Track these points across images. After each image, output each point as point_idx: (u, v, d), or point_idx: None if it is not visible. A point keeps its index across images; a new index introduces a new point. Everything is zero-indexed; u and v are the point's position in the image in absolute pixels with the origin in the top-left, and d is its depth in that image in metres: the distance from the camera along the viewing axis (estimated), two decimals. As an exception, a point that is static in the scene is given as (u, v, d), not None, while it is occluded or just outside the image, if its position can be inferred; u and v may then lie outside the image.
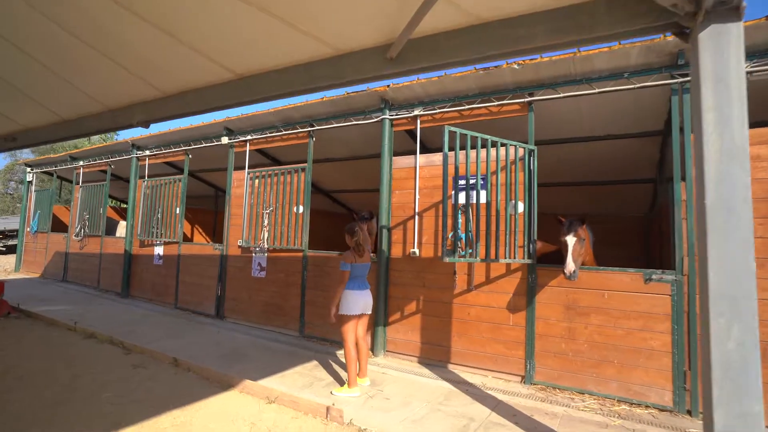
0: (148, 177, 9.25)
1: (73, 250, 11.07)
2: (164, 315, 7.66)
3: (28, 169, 13.07)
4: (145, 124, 4.83)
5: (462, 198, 5.15)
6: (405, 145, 6.50)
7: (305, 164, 6.65)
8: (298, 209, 6.66)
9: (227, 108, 3.83)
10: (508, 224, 4.72)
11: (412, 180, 5.68)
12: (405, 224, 5.68)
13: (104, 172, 10.48)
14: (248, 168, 7.44)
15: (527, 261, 4.76)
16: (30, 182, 13.10)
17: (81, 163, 11.05)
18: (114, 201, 15.45)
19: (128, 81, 3.97)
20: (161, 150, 8.96)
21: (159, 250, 8.80)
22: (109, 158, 10.23)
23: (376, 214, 6.09)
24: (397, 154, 6.73)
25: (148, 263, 9.04)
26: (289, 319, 6.59)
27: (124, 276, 9.29)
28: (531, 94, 5.03)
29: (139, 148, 9.52)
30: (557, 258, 4.75)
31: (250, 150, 7.53)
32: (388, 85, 5.59)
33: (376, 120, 6.01)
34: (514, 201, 4.94)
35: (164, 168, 10.10)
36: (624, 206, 7.93)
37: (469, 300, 5.14)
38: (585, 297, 4.47)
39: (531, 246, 4.81)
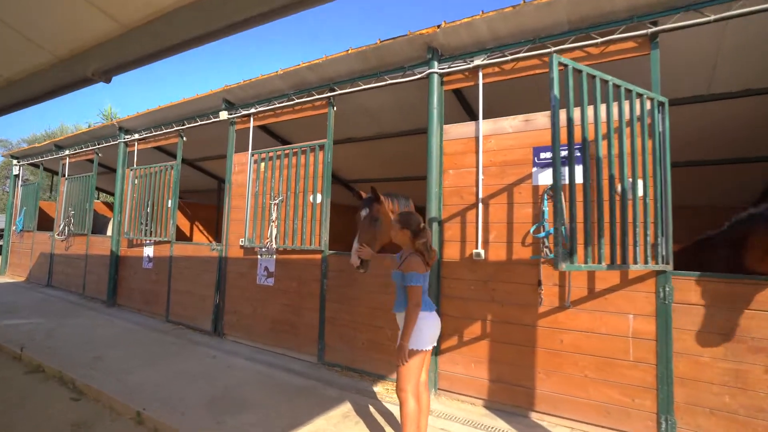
0: (137, 165, 7.86)
1: (59, 251, 9.76)
2: (151, 331, 6.24)
3: (15, 162, 11.84)
4: (105, 77, 3.37)
5: (551, 177, 3.61)
6: (452, 115, 4.95)
7: (324, 141, 5.16)
8: (315, 199, 5.17)
9: (209, 39, 2.34)
10: (637, 213, 3.14)
11: (473, 155, 4.14)
12: (463, 215, 4.14)
13: (92, 161, 9.14)
14: (252, 149, 5.97)
15: (664, 267, 3.18)
16: (17, 176, 11.86)
17: (67, 152, 9.72)
18: (104, 195, 14.17)
19: (79, 12, 2.55)
20: (151, 132, 7.55)
21: (148, 251, 7.40)
22: (95, 145, 8.87)
23: (403, 198, 4.45)
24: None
25: (136, 267, 7.64)
26: (305, 341, 5.11)
27: (110, 282, 7.91)
28: (654, 23, 3.45)
29: (127, 132, 8.13)
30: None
31: (254, 126, 6.06)
32: (438, 26, 4.06)
33: (419, 77, 4.48)
34: (631, 179, 3.37)
35: (156, 155, 8.72)
36: (731, 194, 6.25)
37: (562, 322, 3.58)
38: (763, 324, 2.89)
39: (665, 245, 3.24)
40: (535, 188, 3.79)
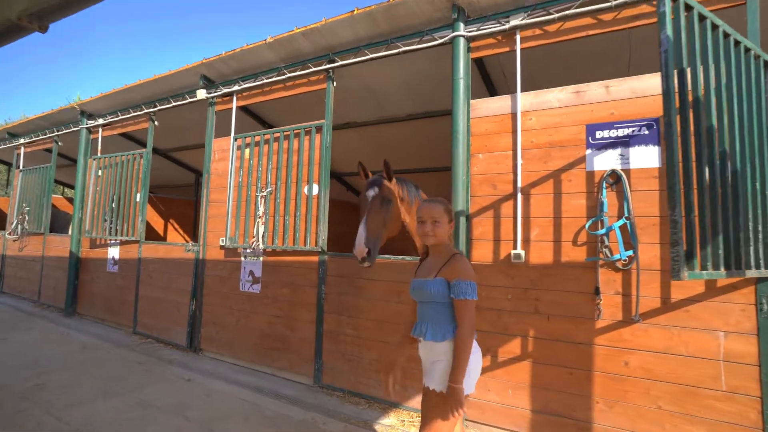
0: (102, 154, 6.87)
1: (11, 253, 8.64)
2: (114, 346, 5.31)
3: (-37, 153, 10.58)
4: (40, 24, 2.64)
5: (614, 161, 2.92)
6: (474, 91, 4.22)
7: (322, 122, 4.36)
8: (310, 190, 4.37)
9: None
10: (749, 204, 2.44)
11: (508, 135, 3.41)
12: (497, 209, 3.41)
13: (50, 151, 8.07)
14: (235, 133, 5.12)
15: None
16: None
17: (21, 140, 8.60)
18: (69, 190, 12.96)
19: None
20: (118, 116, 6.58)
21: (114, 253, 6.43)
22: (54, 132, 7.82)
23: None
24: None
25: (99, 270, 6.66)
26: (298, 359, 4.29)
27: (69, 287, 6.90)
28: (743, -29, 2.79)
29: (90, 116, 7.12)
30: None
31: (237, 107, 5.20)
32: (467, -22, 3.33)
33: (441, 41, 3.73)
34: (746, 159, 2.70)
35: (124, 143, 7.72)
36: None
37: (627, 340, 2.88)
38: None
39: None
40: (590, 174, 3.08)
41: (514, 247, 3.27)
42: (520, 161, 3.30)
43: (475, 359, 2.07)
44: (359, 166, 3.65)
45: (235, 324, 4.82)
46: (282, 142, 4.64)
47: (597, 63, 3.95)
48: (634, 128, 2.94)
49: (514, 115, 3.39)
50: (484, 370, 3.33)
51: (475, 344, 2.09)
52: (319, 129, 4.39)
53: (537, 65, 3.80)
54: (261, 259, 4.66)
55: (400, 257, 3.77)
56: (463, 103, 3.52)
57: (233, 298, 4.86)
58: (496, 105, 3.48)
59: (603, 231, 2.93)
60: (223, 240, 4.98)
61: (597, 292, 2.96)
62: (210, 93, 5.31)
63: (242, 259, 4.82)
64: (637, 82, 2.98)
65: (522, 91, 3.38)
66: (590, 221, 3.02)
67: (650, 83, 2.94)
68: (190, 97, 5.53)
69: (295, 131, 4.56)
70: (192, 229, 9.62)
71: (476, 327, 3.27)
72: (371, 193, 3.27)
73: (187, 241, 7.43)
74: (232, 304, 4.86)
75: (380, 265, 3.86)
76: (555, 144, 3.21)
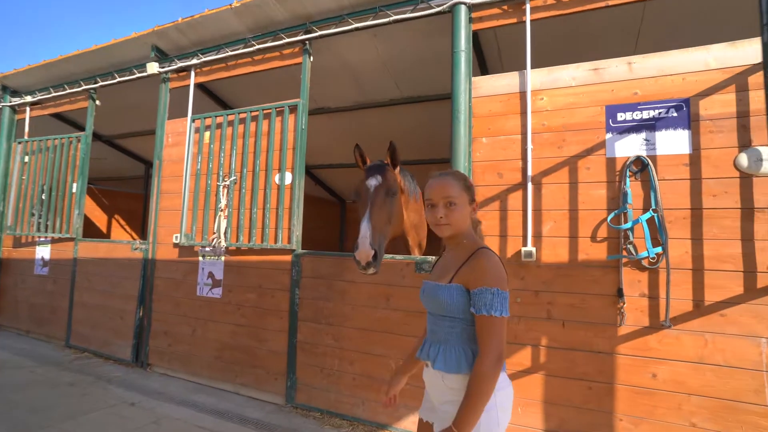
0: (30, 137, 5.89)
1: None
2: (40, 365, 4.45)
3: None
4: None
5: (638, 146, 2.58)
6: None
7: (296, 101, 3.79)
8: (282, 179, 3.79)
9: None
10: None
11: (516, 117, 3.01)
12: (503, 200, 2.99)
13: (-33, 134, 6.89)
14: (192, 114, 4.43)
15: (826, 271, 2.22)
16: None
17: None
18: None
19: None
20: (50, 93, 5.64)
21: (43, 252, 5.50)
22: (-28, 112, 6.67)
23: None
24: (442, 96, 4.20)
25: (25, 273, 5.68)
26: (267, 375, 3.69)
27: (-13, 293, 5.86)
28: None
29: (14, 93, 6.10)
30: None
31: (196, 84, 4.52)
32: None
33: (438, 10, 3.28)
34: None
35: (58, 126, 6.70)
36: None
37: (654, 348, 2.54)
38: None
39: (816, 239, 2.29)
40: (611, 161, 2.73)
41: (524, 244, 2.87)
42: (530, 146, 2.90)
43: (504, 399, 1.51)
44: (356, 150, 3.07)
45: (191, 334, 4.13)
46: (249, 124, 4.02)
47: (603, 41, 3.63)
48: (660, 110, 2.62)
49: (523, 94, 2.99)
50: (488, 385, 2.90)
51: (504, 377, 1.54)
52: (293, 109, 3.81)
53: (544, 42, 3.42)
54: (223, 258, 4.01)
55: (390, 256, 3.27)
56: (465, 80, 3.08)
57: (189, 305, 4.17)
58: (503, 83, 3.07)
59: (628, 225, 2.58)
60: (177, 237, 4.28)
61: (620, 294, 2.60)
62: (163, 67, 4.58)
63: (200, 258, 4.15)
64: (664, 59, 2.66)
65: (528, 68, 2.99)
66: (612, 214, 2.67)
67: (678, 60, 2.62)
68: (140, 72, 4.76)
69: (265, 111, 3.95)
70: (141, 226, 8.64)
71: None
72: (373, 182, 2.73)
73: (134, 239, 6.53)
74: (188, 311, 4.17)
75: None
76: (570, 127, 2.84)
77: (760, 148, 2.40)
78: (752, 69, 2.46)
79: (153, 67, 4.54)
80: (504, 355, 1.49)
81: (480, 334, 1.47)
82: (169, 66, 4.55)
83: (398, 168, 2.95)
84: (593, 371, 2.65)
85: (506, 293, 1.50)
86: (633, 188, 2.64)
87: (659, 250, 2.52)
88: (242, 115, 4.08)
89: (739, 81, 2.48)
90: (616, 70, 2.76)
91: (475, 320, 1.50)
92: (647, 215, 2.56)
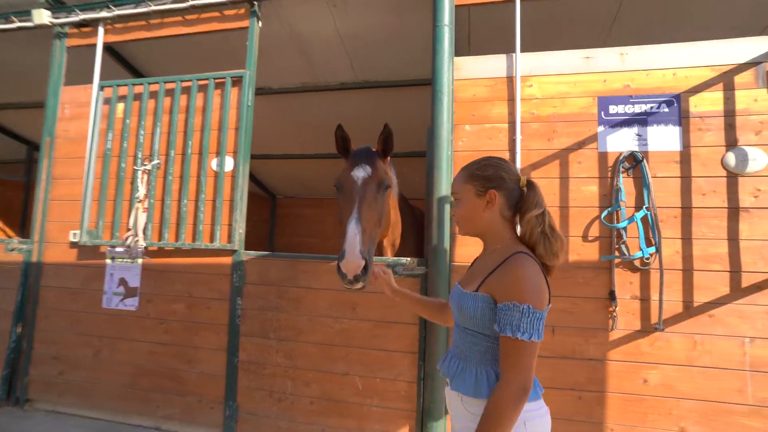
0: None
1: None
2: None
3: None
4: None
5: (630, 141, 2.46)
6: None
7: (242, 71, 3.16)
8: (222, 165, 3.13)
9: None
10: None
11: (503, 104, 2.74)
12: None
13: None
14: (100, 80, 3.53)
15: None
16: None
17: None
18: None
19: None
20: None
21: None
22: None
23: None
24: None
25: None
26: (199, 404, 3.00)
27: None
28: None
29: None
30: None
31: (105, 44, 3.61)
32: None
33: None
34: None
35: None
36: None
37: (646, 353, 2.42)
38: None
39: (799, 238, 2.31)
40: (603, 156, 2.57)
41: (512, 244, 2.60)
42: (519, 137, 2.65)
43: (537, 430, 1.25)
44: (338, 131, 2.47)
45: (92, 358, 3.26)
46: (178, 97, 3.28)
47: (573, 30, 3.51)
48: (652, 104, 2.52)
49: (510, 79, 2.72)
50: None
51: (539, 404, 1.30)
52: (237, 81, 3.17)
53: (532, 26, 3.20)
54: (140, 261, 3.22)
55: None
56: (448, 58, 2.74)
57: (91, 320, 3.29)
58: (488, 65, 2.78)
59: (624, 224, 2.43)
60: (75, 234, 3.36)
61: (612, 297, 2.45)
62: (58, 18, 3.60)
63: (108, 262, 3.29)
64: (654, 52, 2.56)
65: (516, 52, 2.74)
66: (606, 212, 2.50)
67: (668, 54, 2.54)
68: (22, 21, 3.70)
69: (201, 82, 3.25)
70: (21, 221, 7.02)
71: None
72: (362, 173, 2.22)
73: (10, 237, 5.14)
74: (89, 328, 3.29)
75: (325, 269, 2.86)
76: (561, 118, 2.64)
77: (746, 148, 2.39)
78: (738, 69, 2.45)
79: (42, 16, 3.55)
80: (530, 386, 1.20)
81: (503, 358, 1.23)
82: (68, 17, 3.59)
83: (389, 158, 2.50)
84: (583, 380, 2.46)
85: (541, 313, 1.22)
86: (625, 185, 2.51)
87: (653, 250, 2.41)
88: (169, 85, 3.32)
89: (726, 80, 2.45)
90: (608, 59, 2.62)
91: (500, 340, 1.24)
92: (641, 213, 2.43)
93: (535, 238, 1.35)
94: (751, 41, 2.46)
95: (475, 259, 1.55)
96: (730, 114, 2.43)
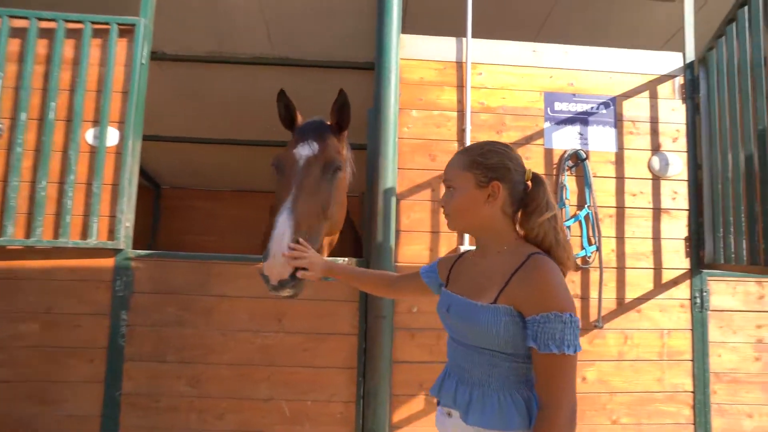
0: None
1: None
2: None
3: None
4: None
5: (573, 139, 2.49)
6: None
7: (134, 19, 2.45)
8: (102, 138, 2.38)
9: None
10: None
11: (453, 91, 2.54)
12: (435, 188, 2.47)
13: None
14: None
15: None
16: None
17: None
18: None
19: None
20: None
21: None
22: None
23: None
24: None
25: None
26: (61, 456, 2.23)
27: None
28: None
29: None
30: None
31: None
32: None
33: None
34: None
35: None
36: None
37: (585, 351, 2.43)
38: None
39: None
40: (548, 153, 2.54)
41: (461, 242, 2.42)
42: (469, 126, 2.48)
43: None
44: (280, 97, 2.03)
45: None
46: (33, 41, 2.41)
47: (513, 21, 3.49)
48: (592, 105, 2.56)
49: (460, 64, 2.54)
50: (412, 413, 2.34)
51: None
52: (127, 31, 2.45)
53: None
54: (-35, 265, 2.29)
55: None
56: (396, 32, 2.44)
57: None
58: (438, 47, 2.56)
59: (570, 222, 2.42)
60: None
61: (556, 295, 2.42)
62: None
63: None
64: (595, 54, 2.62)
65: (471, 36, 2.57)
66: (551, 209, 2.47)
67: (606, 57, 2.61)
68: None
69: (71, 25, 2.43)
70: None
71: (409, 356, 2.28)
72: (305, 151, 1.78)
73: None
74: None
75: (244, 272, 2.35)
76: (509, 110, 2.54)
77: (667, 153, 2.56)
78: (659, 79, 2.62)
79: None
80: (575, 407, 1.06)
81: (546, 379, 1.06)
82: None
83: (346, 134, 2.08)
84: (529, 382, 2.40)
85: (578, 319, 1.07)
86: (569, 183, 2.51)
87: (594, 248, 2.44)
88: (19, 23, 2.43)
89: (651, 88, 2.60)
90: (554, 55, 2.60)
91: (536, 359, 1.06)
92: (584, 212, 2.45)
93: (548, 245, 1.17)
94: (669, 55, 2.65)
95: (459, 261, 1.35)
96: (654, 121, 2.59)
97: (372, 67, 3.86)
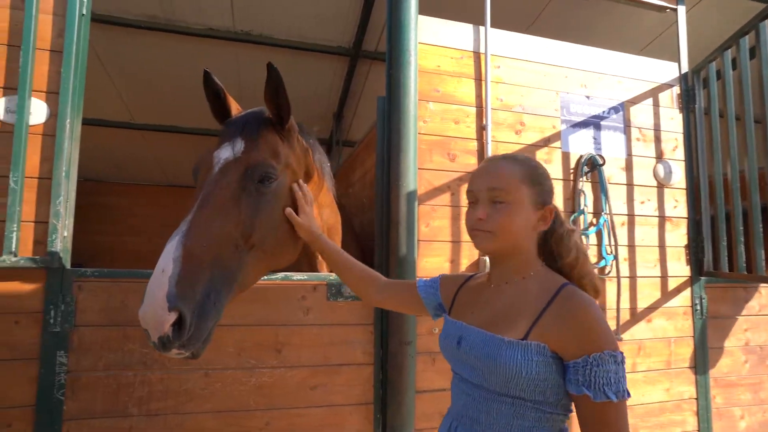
0: None
1: None
2: None
3: None
4: None
5: (588, 143, 2.40)
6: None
7: (69, -45, 1.81)
8: (23, 113, 1.71)
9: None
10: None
11: (470, 83, 2.29)
12: (455, 192, 2.20)
13: None
14: None
15: (726, 274, 2.49)
16: None
17: None
18: None
19: None
20: None
21: None
22: None
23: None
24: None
25: None
26: None
27: None
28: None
29: None
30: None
31: None
32: None
33: None
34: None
35: None
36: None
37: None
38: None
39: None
40: (566, 156, 2.40)
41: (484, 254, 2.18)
42: (490, 124, 2.24)
43: None
44: (206, 80, 1.47)
45: None
46: None
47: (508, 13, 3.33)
48: (604, 109, 2.48)
49: (478, 55, 2.29)
50: (431, 450, 2.05)
51: None
52: (59, -31, 1.80)
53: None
54: None
55: (283, 275, 1.92)
56: (415, 10, 2.11)
57: None
58: (456, 33, 2.28)
59: (593, 230, 2.30)
60: None
61: (577, 307, 2.29)
62: None
63: None
64: (607, 56, 2.54)
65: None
66: (573, 216, 2.33)
67: (616, 62, 2.55)
68: None
69: (-29, -49, 1.72)
70: None
71: (429, 384, 2.00)
72: (225, 153, 1.32)
73: None
74: None
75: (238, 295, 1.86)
76: (527, 109, 2.35)
77: (670, 162, 2.58)
78: (660, 88, 2.63)
79: None
80: None
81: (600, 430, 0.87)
82: None
83: (292, 125, 1.51)
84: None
85: (624, 356, 0.93)
86: (589, 188, 2.39)
87: (612, 258, 2.35)
88: None
89: (654, 96, 2.60)
90: (569, 55, 2.47)
91: (585, 409, 0.88)
92: (603, 220, 2.35)
93: (580, 274, 1.04)
94: (668, 64, 2.67)
95: (467, 285, 1.18)
96: (657, 128, 2.58)
97: (348, 53, 3.50)
